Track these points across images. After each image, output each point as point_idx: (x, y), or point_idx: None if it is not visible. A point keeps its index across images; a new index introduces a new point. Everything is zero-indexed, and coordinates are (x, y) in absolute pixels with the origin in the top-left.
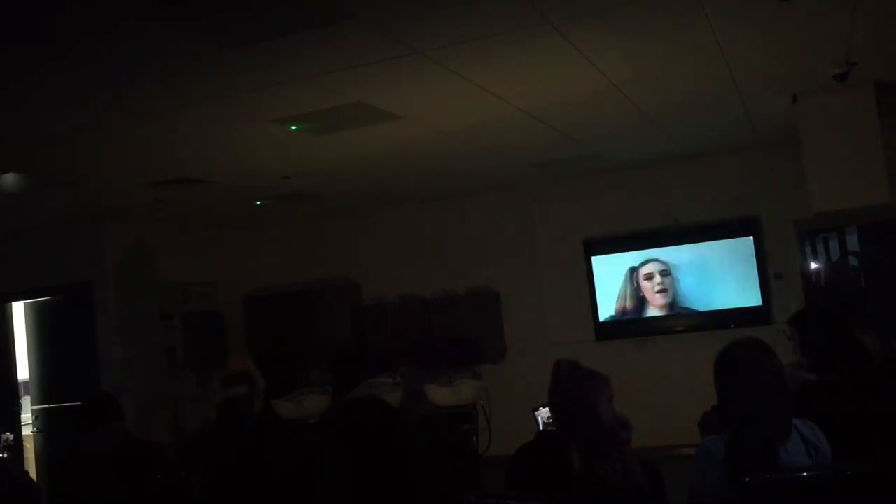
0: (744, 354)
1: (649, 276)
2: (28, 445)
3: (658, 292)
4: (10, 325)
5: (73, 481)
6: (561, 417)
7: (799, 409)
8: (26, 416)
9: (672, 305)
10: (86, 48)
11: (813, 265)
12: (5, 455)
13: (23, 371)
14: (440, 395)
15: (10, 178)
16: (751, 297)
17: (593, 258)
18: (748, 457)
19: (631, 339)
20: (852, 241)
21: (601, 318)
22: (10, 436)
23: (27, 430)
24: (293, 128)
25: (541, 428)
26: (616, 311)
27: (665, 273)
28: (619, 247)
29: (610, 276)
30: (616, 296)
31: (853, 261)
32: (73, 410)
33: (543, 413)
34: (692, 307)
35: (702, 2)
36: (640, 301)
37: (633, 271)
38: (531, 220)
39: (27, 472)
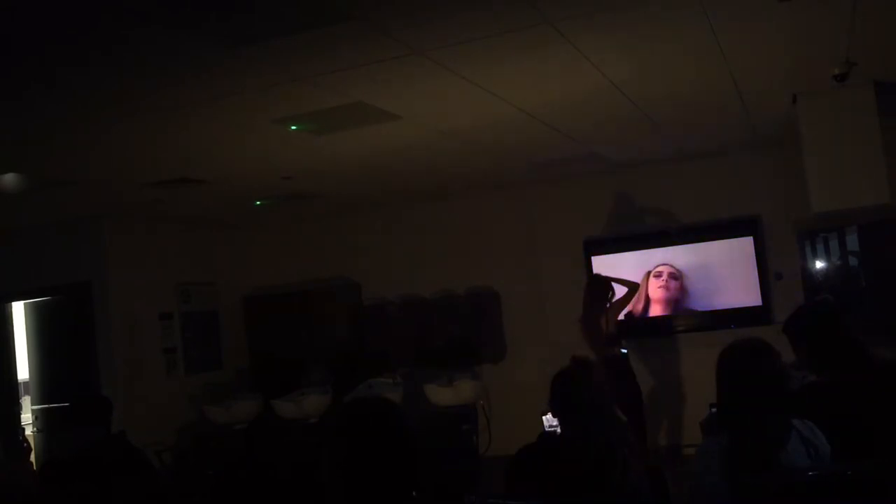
0: (745, 355)
1: (658, 274)
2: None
3: (659, 287)
4: (10, 325)
5: (48, 479)
6: (574, 416)
7: (798, 409)
8: (26, 416)
9: (673, 306)
10: (86, 49)
11: (813, 265)
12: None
13: (23, 371)
14: (440, 395)
15: (10, 178)
16: (751, 297)
17: (593, 258)
18: (748, 457)
19: (631, 339)
20: (852, 241)
21: None
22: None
23: (27, 430)
24: (293, 128)
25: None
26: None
27: (674, 276)
28: (619, 247)
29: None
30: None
31: (853, 261)
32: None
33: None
34: (692, 307)
35: (702, 2)
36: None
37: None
38: (531, 220)
39: (36, 477)
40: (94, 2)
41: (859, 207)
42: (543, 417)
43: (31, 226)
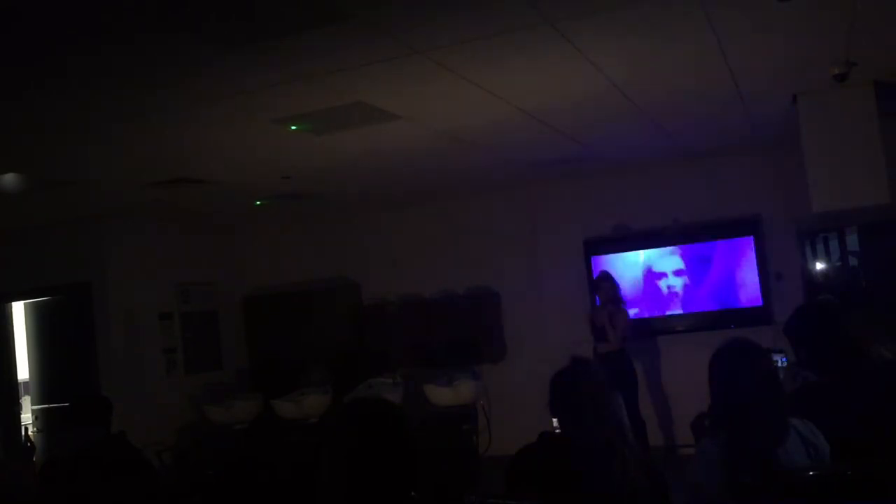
0: (733, 356)
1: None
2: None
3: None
4: (10, 325)
5: (48, 479)
6: (574, 416)
7: (798, 408)
8: (26, 416)
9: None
10: (86, 49)
11: (813, 265)
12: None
13: (23, 371)
14: (440, 395)
15: (10, 178)
16: (751, 297)
17: (593, 258)
18: (747, 457)
19: (631, 339)
20: (852, 241)
21: None
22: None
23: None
24: (293, 128)
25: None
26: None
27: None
28: (619, 247)
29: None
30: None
31: (853, 261)
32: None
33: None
34: (692, 307)
35: (702, 2)
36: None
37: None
38: (531, 220)
39: (37, 477)
40: (94, 3)
41: (859, 207)
42: (555, 419)
43: (31, 226)
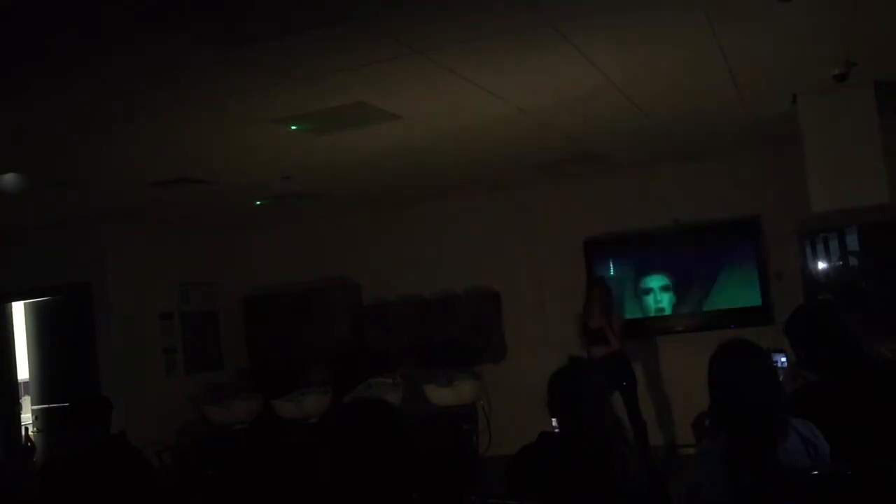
0: (733, 356)
1: (648, 292)
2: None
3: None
4: (10, 325)
5: (48, 479)
6: (573, 416)
7: (798, 409)
8: (26, 416)
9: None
10: (86, 49)
11: (813, 265)
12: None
13: (23, 371)
14: (440, 395)
15: (10, 178)
16: (751, 297)
17: (593, 258)
18: (747, 457)
19: (631, 339)
20: (852, 241)
21: None
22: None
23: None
24: (293, 128)
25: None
26: None
27: (666, 289)
28: (619, 247)
29: (609, 276)
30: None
31: (853, 261)
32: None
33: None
34: (692, 308)
35: (702, 2)
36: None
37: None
38: (531, 220)
39: (37, 477)
40: (95, 3)
41: (859, 207)
42: (554, 419)
43: (31, 226)
